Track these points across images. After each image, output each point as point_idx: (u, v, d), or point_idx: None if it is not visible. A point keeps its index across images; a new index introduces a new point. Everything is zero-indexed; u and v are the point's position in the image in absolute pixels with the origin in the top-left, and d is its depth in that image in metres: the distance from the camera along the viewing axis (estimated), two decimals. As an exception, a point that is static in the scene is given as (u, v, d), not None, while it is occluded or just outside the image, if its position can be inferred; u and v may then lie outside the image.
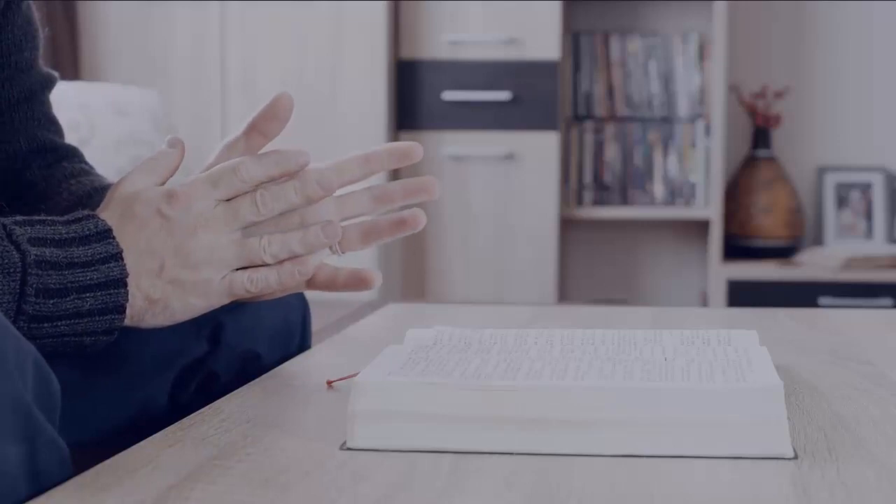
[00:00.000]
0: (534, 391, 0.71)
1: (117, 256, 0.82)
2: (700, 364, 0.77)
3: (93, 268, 0.81)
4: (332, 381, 0.91)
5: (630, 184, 3.46)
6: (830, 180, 3.52)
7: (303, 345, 1.10)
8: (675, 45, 3.44)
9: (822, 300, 3.25)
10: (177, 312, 0.87)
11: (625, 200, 3.46)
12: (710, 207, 3.36)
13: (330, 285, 0.94)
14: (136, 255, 0.83)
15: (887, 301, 3.24)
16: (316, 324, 1.14)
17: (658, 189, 3.44)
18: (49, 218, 0.82)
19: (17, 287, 0.78)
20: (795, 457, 0.69)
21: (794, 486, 0.64)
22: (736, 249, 3.43)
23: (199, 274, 0.86)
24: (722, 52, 3.30)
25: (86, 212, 0.84)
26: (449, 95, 3.30)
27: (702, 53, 3.43)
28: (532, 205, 3.30)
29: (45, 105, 1.08)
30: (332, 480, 0.66)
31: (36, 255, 0.79)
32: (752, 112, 3.46)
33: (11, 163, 1.05)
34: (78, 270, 0.81)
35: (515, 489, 0.64)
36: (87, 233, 0.82)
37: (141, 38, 3.24)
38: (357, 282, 0.94)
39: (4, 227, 0.79)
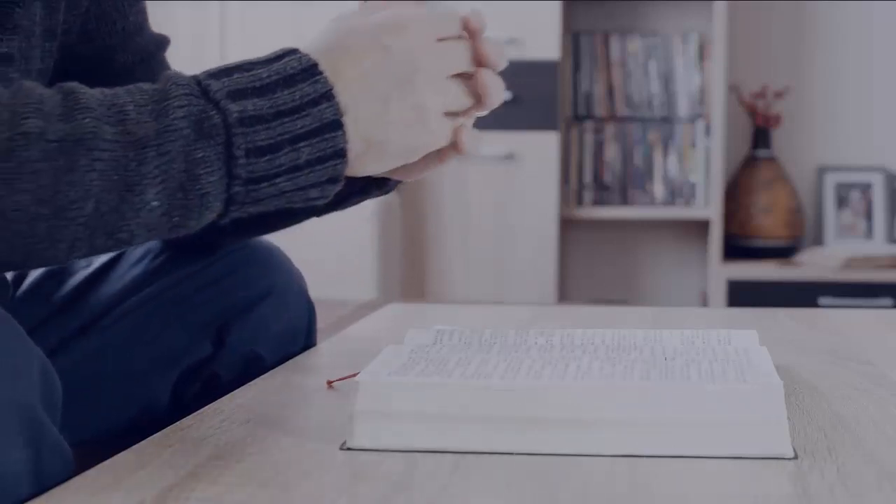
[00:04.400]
0: (534, 391, 0.71)
1: (328, 95, 0.75)
2: (700, 364, 0.77)
3: (303, 113, 0.74)
4: (332, 381, 0.91)
5: (630, 184, 3.46)
6: (830, 180, 3.52)
7: (308, 347, 1.10)
8: (675, 45, 3.44)
9: (822, 300, 3.25)
10: (394, 156, 0.79)
11: (625, 200, 3.46)
12: (710, 207, 3.36)
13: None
14: (353, 92, 0.76)
15: (887, 301, 3.24)
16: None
17: (658, 189, 3.44)
18: (245, 62, 0.76)
19: (223, 151, 0.72)
20: (795, 457, 0.69)
21: (794, 486, 0.64)
22: (736, 249, 3.43)
23: (422, 114, 0.79)
24: (722, 52, 3.30)
25: (287, 48, 0.77)
26: (449, 95, 3.30)
27: (702, 53, 3.43)
28: (532, 205, 3.30)
29: (164, 64, 1.06)
30: (332, 480, 0.67)
31: (238, 111, 0.72)
32: (752, 112, 3.46)
33: None
34: (286, 119, 0.73)
35: (515, 489, 0.64)
36: (292, 71, 0.75)
37: (141, 38, 3.23)
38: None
39: (199, 83, 0.74)
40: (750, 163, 3.46)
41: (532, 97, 3.29)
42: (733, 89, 3.49)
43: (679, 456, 0.69)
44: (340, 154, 0.75)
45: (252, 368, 1.02)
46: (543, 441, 0.70)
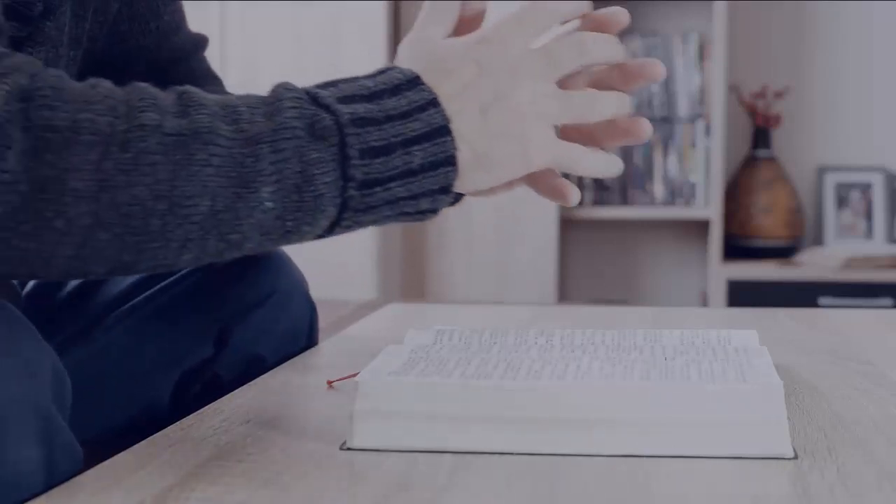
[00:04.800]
0: (534, 391, 0.71)
1: (434, 102, 0.75)
2: (700, 364, 0.77)
3: (412, 118, 0.74)
4: (332, 381, 0.91)
5: (630, 184, 3.46)
6: (830, 180, 3.52)
7: (309, 348, 1.11)
8: (675, 45, 3.44)
9: (822, 300, 3.25)
10: (500, 170, 0.77)
11: (625, 200, 3.46)
12: (710, 207, 3.36)
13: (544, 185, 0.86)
14: (453, 106, 0.75)
15: (887, 301, 3.24)
16: (316, 324, 1.14)
17: (658, 189, 3.44)
18: (346, 77, 0.76)
19: (337, 152, 0.71)
20: (795, 457, 0.69)
21: (794, 486, 0.64)
22: (736, 249, 3.43)
23: (524, 125, 0.77)
24: (722, 52, 3.29)
25: (386, 66, 0.77)
26: (449, 95, 3.29)
27: (702, 53, 3.43)
28: (532, 205, 3.30)
29: (203, 64, 1.05)
30: (332, 480, 0.66)
31: (349, 113, 0.72)
32: (752, 112, 3.46)
33: None
34: (398, 122, 0.73)
35: (515, 489, 0.64)
36: (396, 81, 0.75)
37: (141, 38, 3.23)
38: (559, 193, 0.86)
39: (307, 92, 0.73)
40: (750, 163, 3.46)
41: (532, 97, 3.28)
42: (733, 89, 3.49)
43: (679, 456, 0.69)
44: (451, 161, 0.75)
45: (253, 369, 1.02)
46: (543, 441, 0.70)
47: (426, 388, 0.72)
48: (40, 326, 0.88)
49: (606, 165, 0.83)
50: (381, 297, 3.05)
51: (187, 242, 0.68)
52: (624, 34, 3.46)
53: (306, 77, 2.92)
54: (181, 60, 1.03)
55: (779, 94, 3.46)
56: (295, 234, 0.72)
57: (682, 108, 3.44)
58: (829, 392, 0.88)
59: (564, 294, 3.53)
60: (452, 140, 0.74)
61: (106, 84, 0.68)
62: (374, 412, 0.72)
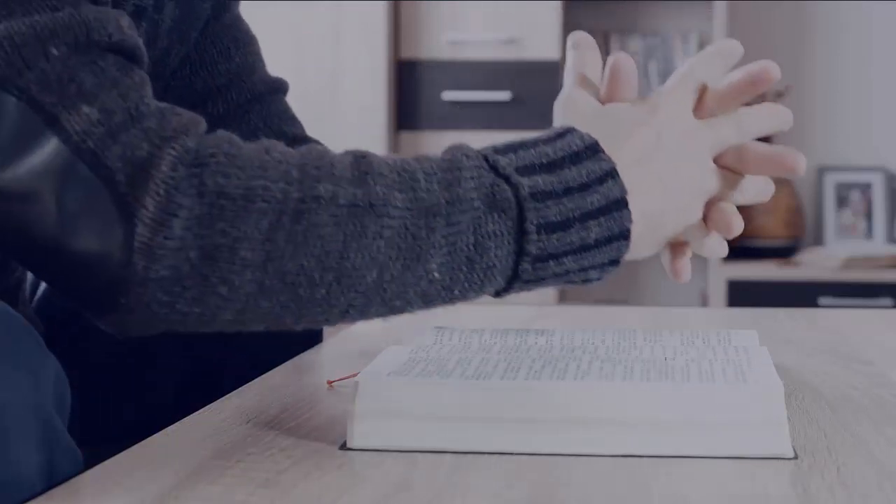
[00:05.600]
0: (534, 391, 0.71)
1: (613, 173, 0.73)
2: (700, 364, 0.77)
3: (591, 190, 0.73)
4: (332, 381, 0.91)
5: (630, 184, 3.46)
6: (830, 180, 3.52)
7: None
8: (675, 45, 3.44)
9: (822, 300, 3.25)
10: (662, 241, 0.79)
11: (625, 200, 3.46)
12: (710, 207, 3.36)
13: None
14: (632, 176, 0.75)
15: (887, 301, 3.24)
16: (316, 324, 1.14)
17: (658, 189, 3.44)
18: (526, 140, 0.74)
19: (514, 226, 0.71)
20: (795, 457, 0.69)
21: (794, 486, 0.64)
22: (736, 249, 3.42)
23: (687, 197, 0.78)
24: (722, 52, 3.29)
25: (563, 126, 0.76)
26: (449, 95, 3.30)
27: (702, 53, 3.43)
28: (532, 205, 3.30)
29: (281, 104, 1.04)
30: (332, 480, 0.66)
31: (530, 186, 0.71)
32: (752, 112, 3.46)
33: None
34: (576, 195, 0.72)
35: (515, 489, 0.64)
36: (576, 149, 0.74)
37: (141, 38, 3.23)
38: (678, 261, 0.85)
39: (486, 158, 0.72)
40: (750, 163, 3.46)
41: (532, 97, 3.29)
42: (733, 89, 3.48)
43: (679, 456, 0.69)
44: (625, 235, 0.74)
45: (256, 370, 1.02)
46: (543, 441, 0.70)
47: (426, 388, 0.72)
48: (43, 325, 0.88)
49: (721, 250, 0.85)
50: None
51: (350, 309, 0.69)
52: (624, 34, 3.46)
53: (306, 77, 2.95)
54: (255, 101, 1.02)
55: (779, 94, 3.46)
56: (459, 300, 0.73)
57: (682, 108, 3.44)
58: (829, 392, 0.88)
59: (564, 294, 3.53)
60: (629, 213, 0.74)
61: (279, 147, 0.68)
62: (374, 412, 0.72)
